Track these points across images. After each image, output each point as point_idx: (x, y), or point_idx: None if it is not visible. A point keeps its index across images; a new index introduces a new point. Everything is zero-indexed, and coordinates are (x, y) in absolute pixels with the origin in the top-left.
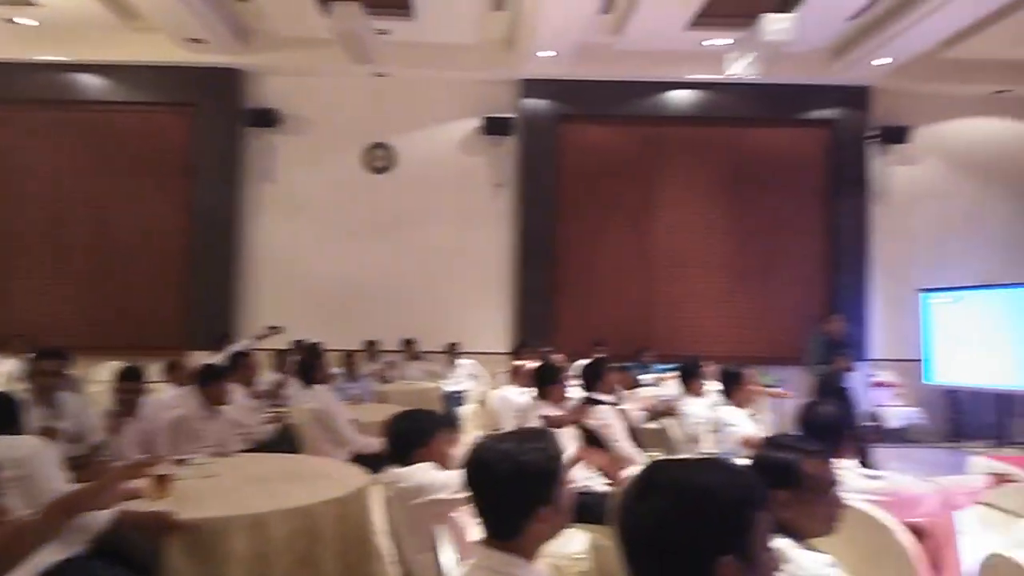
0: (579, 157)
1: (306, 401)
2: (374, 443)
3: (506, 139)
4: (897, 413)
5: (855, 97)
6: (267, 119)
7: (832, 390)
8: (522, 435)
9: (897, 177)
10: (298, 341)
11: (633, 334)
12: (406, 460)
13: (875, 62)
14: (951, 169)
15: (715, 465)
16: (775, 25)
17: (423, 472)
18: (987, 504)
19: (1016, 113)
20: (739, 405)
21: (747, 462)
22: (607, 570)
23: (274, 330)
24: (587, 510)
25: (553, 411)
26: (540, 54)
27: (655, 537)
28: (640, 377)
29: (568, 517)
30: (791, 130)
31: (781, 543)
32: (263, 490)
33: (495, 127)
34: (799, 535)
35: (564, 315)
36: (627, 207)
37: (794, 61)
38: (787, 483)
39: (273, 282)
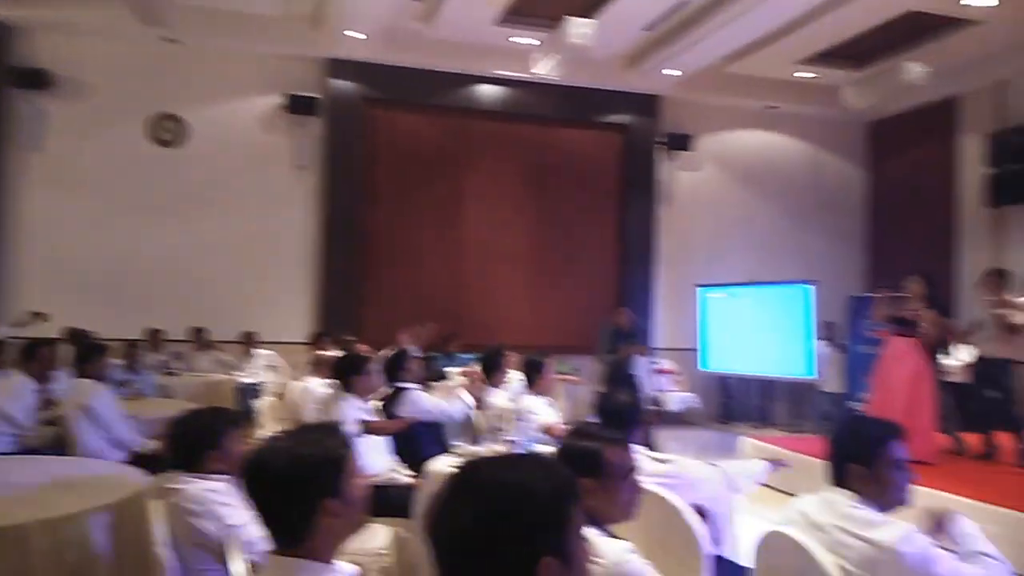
0: (389, 143)
1: (77, 396)
2: (154, 443)
3: (311, 119)
4: (676, 398)
5: (647, 104)
6: (36, 80)
7: (620, 377)
8: (303, 429)
9: (681, 181)
10: (72, 329)
11: (441, 324)
12: (194, 464)
13: (665, 72)
14: (727, 176)
15: (530, 461)
16: (578, 29)
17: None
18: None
19: (783, 128)
20: (540, 394)
21: (550, 450)
22: (411, 564)
23: (38, 317)
24: (390, 503)
25: (359, 404)
26: (348, 34)
27: (474, 541)
28: (447, 368)
29: (362, 510)
30: (590, 132)
31: (587, 532)
32: (24, 498)
33: (299, 106)
34: (601, 522)
35: (370, 304)
36: (437, 197)
37: (594, 66)
38: (591, 471)
39: (40, 263)
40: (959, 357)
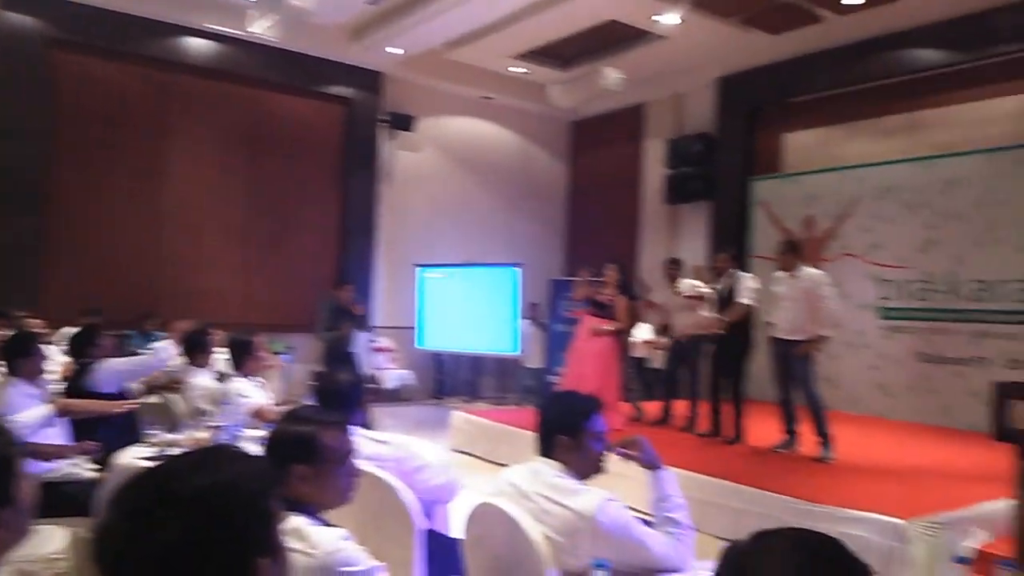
0: (77, 93)
1: None
2: None
3: None
4: (392, 375)
5: (370, 80)
6: None
7: (339, 356)
8: None
9: (402, 161)
10: None
11: (136, 299)
12: None
13: (389, 50)
14: (447, 160)
15: (227, 457)
16: None
17: None
18: (467, 453)
19: (498, 119)
20: (249, 375)
21: (260, 435)
22: (91, 569)
23: None
24: (69, 501)
25: (29, 390)
26: None
27: (181, 560)
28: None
29: (32, 514)
30: (310, 102)
31: (296, 521)
32: None
33: None
34: (313, 509)
35: (53, 274)
36: (135, 156)
37: (317, 33)
38: (306, 457)
39: None
40: (640, 335)
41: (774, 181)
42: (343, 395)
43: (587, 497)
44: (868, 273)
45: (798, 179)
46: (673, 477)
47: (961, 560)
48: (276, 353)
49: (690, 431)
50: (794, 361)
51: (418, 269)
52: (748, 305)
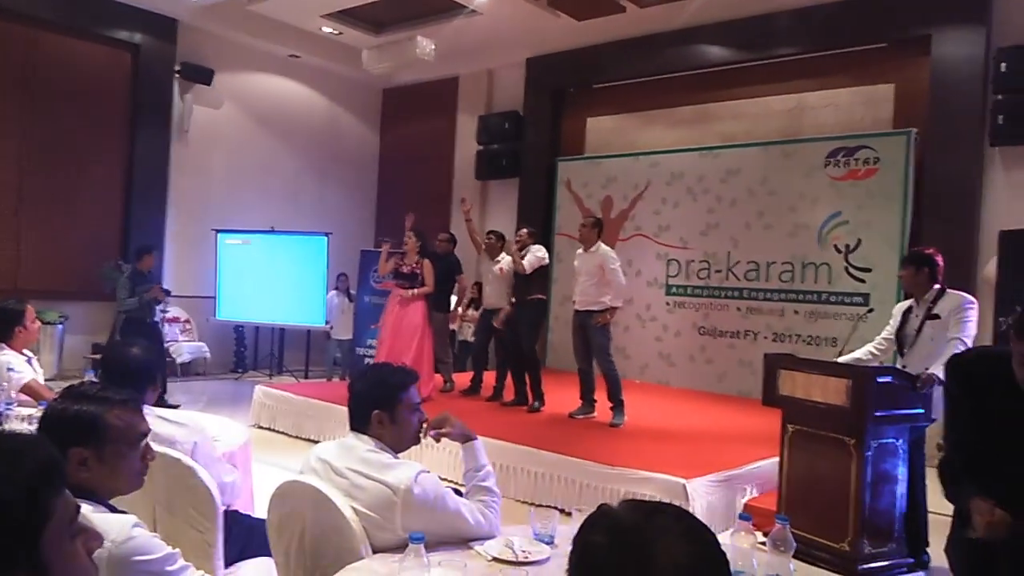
0: None
1: None
2: None
3: None
4: (185, 348)
5: (163, 26)
6: None
7: (140, 327)
8: None
9: (199, 117)
10: None
11: None
12: None
13: None
14: (249, 119)
15: None
16: None
17: None
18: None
19: (306, 79)
20: (18, 348)
21: (33, 414)
22: None
23: None
24: None
25: None
26: None
27: None
28: None
29: None
30: (95, 46)
31: (84, 509)
32: None
33: None
34: (100, 495)
35: None
36: None
37: None
38: (89, 440)
39: None
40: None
41: (577, 162)
42: (134, 370)
43: (400, 471)
44: (657, 253)
45: (599, 162)
46: (482, 446)
47: (743, 517)
48: (48, 323)
49: (498, 400)
50: (590, 331)
51: (217, 235)
52: (523, 264)
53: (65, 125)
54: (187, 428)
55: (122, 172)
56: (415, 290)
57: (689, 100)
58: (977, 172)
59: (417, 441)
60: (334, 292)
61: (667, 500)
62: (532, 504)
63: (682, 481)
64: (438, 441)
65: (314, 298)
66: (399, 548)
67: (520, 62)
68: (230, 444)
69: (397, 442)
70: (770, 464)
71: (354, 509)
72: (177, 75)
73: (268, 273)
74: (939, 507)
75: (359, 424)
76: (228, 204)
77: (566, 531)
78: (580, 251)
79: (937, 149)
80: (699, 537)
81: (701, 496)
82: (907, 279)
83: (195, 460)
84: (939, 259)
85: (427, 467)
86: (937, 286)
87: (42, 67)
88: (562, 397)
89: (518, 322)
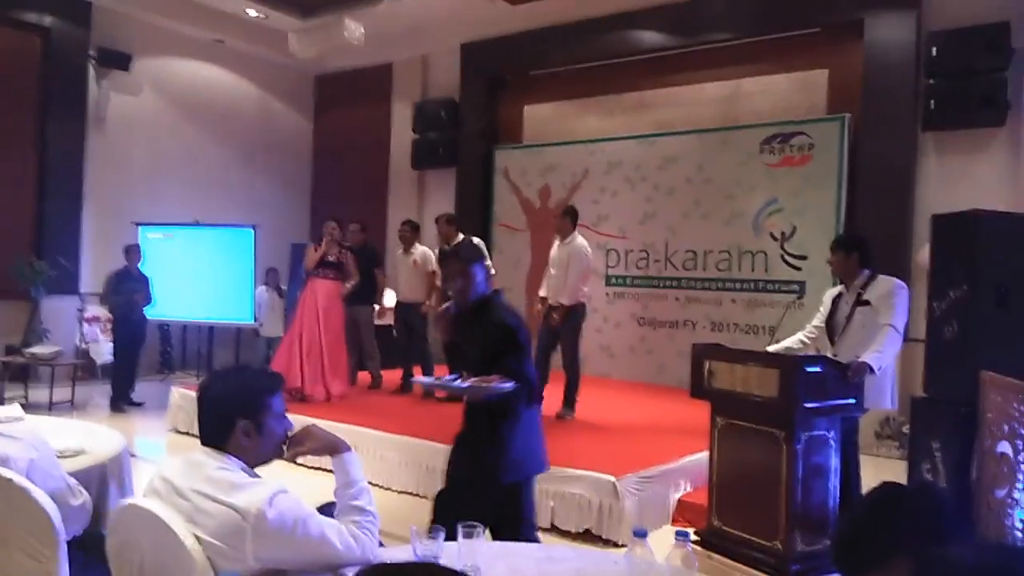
0: None
1: None
2: None
3: None
4: (106, 348)
5: (76, 9)
6: None
7: (130, 323)
8: None
9: (116, 105)
10: None
11: None
12: None
13: None
14: (171, 107)
15: None
16: None
17: None
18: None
19: (232, 65)
20: None
21: None
22: None
23: None
24: None
25: None
26: None
27: None
28: None
29: None
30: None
31: None
32: None
33: None
34: None
35: None
36: None
37: None
38: None
39: None
40: (383, 301)
41: (515, 151)
42: None
43: (252, 492)
44: (597, 243)
45: (537, 150)
46: (356, 459)
47: (637, 533)
48: None
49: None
50: (556, 325)
51: (138, 228)
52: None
53: None
54: (22, 443)
55: (34, 163)
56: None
57: (626, 87)
58: (911, 157)
59: (280, 454)
60: (263, 287)
61: (597, 499)
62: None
63: (611, 479)
64: (293, 461)
65: (242, 294)
66: None
67: (455, 48)
68: (98, 457)
69: (259, 455)
70: (706, 457)
71: (197, 537)
72: (92, 61)
73: (193, 268)
74: None
75: (215, 436)
76: (150, 196)
77: (456, 550)
78: (556, 242)
79: (871, 134)
80: None
81: (632, 493)
82: (837, 264)
83: (32, 479)
84: (868, 244)
85: (287, 487)
86: (867, 271)
87: None
88: None
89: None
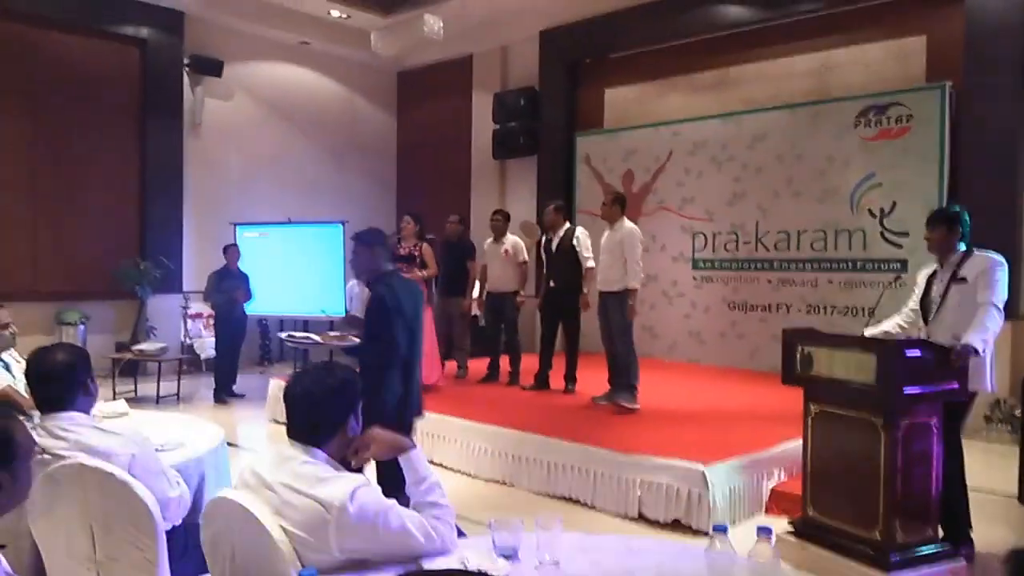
0: None
1: None
2: None
3: None
4: (209, 343)
5: (170, 20)
6: None
7: (232, 320)
8: None
9: (210, 110)
10: None
11: None
12: None
13: None
14: (261, 109)
15: None
16: None
17: None
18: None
19: (318, 66)
20: None
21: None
22: None
23: None
24: None
25: None
26: None
27: None
28: None
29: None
30: (101, 43)
31: None
32: None
33: None
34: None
35: None
36: None
37: None
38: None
39: None
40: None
41: (596, 136)
42: (59, 376)
43: (335, 485)
44: (682, 226)
45: (618, 134)
46: (422, 455)
47: (718, 529)
48: (70, 324)
49: (515, 385)
50: (612, 313)
51: (235, 228)
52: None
53: (76, 125)
54: (123, 438)
55: (136, 169)
56: (424, 271)
57: (709, 65)
58: (1018, 125)
59: (348, 465)
60: (354, 281)
61: (685, 488)
62: (548, 495)
63: (701, 467)
64: (360, 470)
65: (334, 288)
66: (338, 570)
67: (534, 35)
68: (197, 450)
69: (340, 451)
70: (800, 445)
71: (283, 528)
72: (186, 68)
73: (288, 265)
74: (979, 485)
75: (305, 432)
76: (244, 197)
77: (534, 541)
78: (606, 231)
79: (974, 102)
80: None
81: (722, 483)
82: (938, 240)
83: (133, 473)
84: (966, 218)
85: (369, 480)
86: (963, 247)
87: (48, 67)
88: (594, 381)
89: (555, 306)
